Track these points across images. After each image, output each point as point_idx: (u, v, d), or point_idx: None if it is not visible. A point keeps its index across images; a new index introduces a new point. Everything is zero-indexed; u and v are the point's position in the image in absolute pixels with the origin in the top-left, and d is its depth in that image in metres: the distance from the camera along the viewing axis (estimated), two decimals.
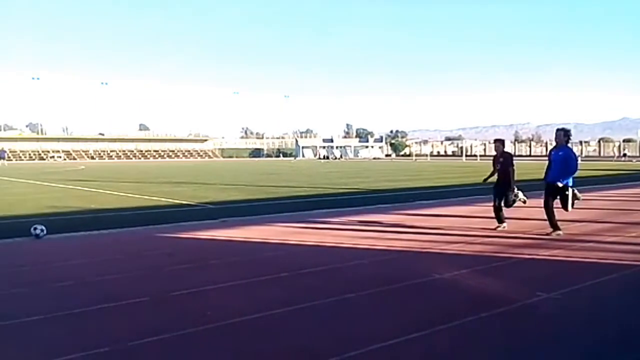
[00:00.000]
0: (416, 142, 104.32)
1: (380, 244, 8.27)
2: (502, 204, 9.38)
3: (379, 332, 4.44)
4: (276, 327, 4.64)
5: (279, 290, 5.80)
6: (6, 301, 5.48)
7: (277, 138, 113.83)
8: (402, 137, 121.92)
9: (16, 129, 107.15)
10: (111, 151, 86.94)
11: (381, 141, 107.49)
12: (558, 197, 8.68)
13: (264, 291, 5.78)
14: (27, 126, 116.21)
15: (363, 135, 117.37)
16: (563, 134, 8.92)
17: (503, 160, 9.56)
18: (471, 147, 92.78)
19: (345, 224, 10.38)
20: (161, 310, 5.15)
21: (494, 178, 9.69)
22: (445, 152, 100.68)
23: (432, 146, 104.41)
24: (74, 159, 78.62)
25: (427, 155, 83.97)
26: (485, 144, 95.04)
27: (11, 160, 66.36)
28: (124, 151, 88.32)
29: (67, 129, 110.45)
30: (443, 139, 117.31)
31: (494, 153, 10.02)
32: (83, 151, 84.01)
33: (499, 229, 9.28)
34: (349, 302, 5.31)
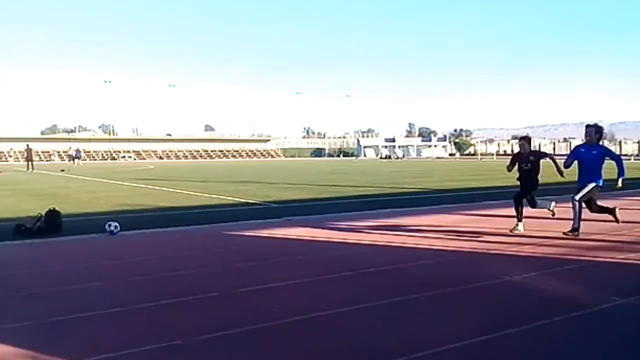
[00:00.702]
0: (481, 141, 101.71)
1: (446, 244, 8.14)
2: (526, 201, 9.05)
3: (447, 333, 4.38)
4: (341, 326, 4.65)
5: (344, 289, 5.82)
6: (83, 294, 5.76)
7: (339, 138, 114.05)
8: (467, 136, 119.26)
9: (90, 130, 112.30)
10: (178, 151, 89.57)
11: (445, 140, 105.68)
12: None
13: (328, 289, 5.81)
14: (99, 127, 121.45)
15: (426, 135, 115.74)
16: (594, 131, 8.49)
17: (534, 160, 8.95)
18: (539, 145, 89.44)
19: (409, 223, 10.28)
20: (229, 306, 5.27)
21: (512, 173, 9.24)
22: (512, 151, 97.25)
23: (498, 145, 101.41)
24: (144, 158, 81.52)
25: (493, 155, 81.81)
26: (554, 143, 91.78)
27: (85, 160, 69.57)
28: (190, 151, 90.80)
29: (137, 130, 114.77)
30: (509, 137, 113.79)
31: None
32: (152, 151, 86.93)
33: (515, 231, 8.83)
34: (415, 303, 5.26)
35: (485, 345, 4.12)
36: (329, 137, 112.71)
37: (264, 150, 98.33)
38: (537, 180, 9.04)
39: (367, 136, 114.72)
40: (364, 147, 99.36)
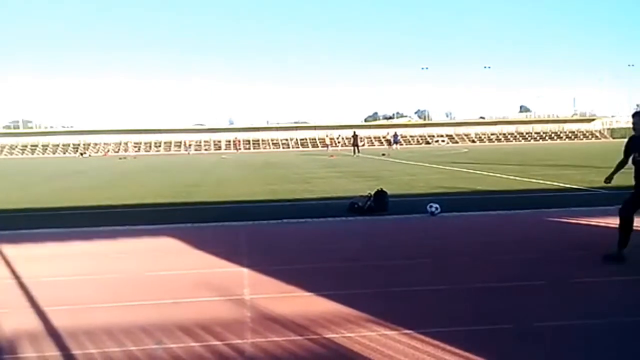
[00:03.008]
0: None
1: None
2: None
3: None
4: None
5: None
6: (412, 269, 6.14)
7: None
8: None
9: (406, 116, 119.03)
10: (491, 134, 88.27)
11: None
12: None
13: None
14: (415, 113, 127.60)
15: None
16: None
17: None
18: None
19: None
20: (559, 296, 5.00)
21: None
22: None
23: None
24: (456, 142, 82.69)
25: None
26: None
27: (402, 144, 73.92)
28: (503, 134, 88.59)
29: (450, 114, 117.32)
30: None
31: None
32: (464, 135, 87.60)
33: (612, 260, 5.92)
34: None
35: None
36: None
37: (587, 131, 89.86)
38: None
39: None
40: None
